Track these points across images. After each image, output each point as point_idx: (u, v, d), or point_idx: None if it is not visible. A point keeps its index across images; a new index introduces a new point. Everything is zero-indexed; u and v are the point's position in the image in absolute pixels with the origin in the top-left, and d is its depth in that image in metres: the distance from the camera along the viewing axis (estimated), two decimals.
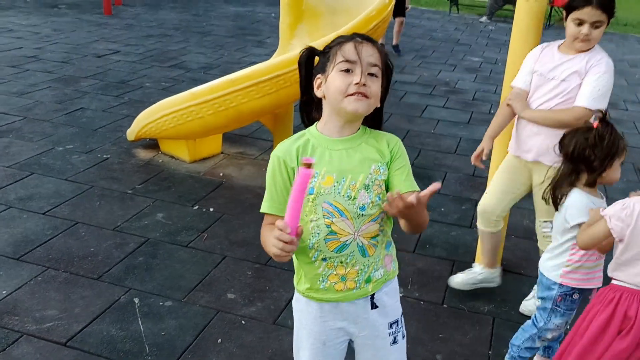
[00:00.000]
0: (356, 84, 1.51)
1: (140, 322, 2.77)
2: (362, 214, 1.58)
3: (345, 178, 1.57)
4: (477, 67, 8.49)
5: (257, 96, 3.74)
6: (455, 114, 6.20)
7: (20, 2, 11.54)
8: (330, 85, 1.55)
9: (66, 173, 4.22)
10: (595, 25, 2.48)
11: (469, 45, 10.09)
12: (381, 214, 1.62)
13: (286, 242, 1.38)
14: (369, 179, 1.58)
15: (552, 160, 2.52)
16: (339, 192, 1.56)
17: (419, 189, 1.57)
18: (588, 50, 2.57)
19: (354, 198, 1.57)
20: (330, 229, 1.58)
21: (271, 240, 1.41)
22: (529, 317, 2.50)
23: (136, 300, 2.92)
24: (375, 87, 1.55)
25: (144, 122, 4.45)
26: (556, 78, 2.60)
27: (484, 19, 12.98)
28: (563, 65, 2.59)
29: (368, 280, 1.66)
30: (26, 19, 9.85)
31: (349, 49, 1.55)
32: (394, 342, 1.76)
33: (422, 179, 4.50)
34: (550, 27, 11.39)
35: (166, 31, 9.52)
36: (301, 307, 1.74)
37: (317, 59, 1.65)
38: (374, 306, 1.70)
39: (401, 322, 1.80)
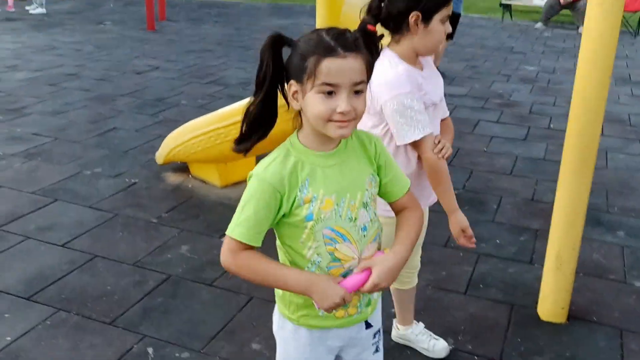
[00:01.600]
0: (340, 112, 1.32)
1: None
2: (364, 235, 1.47)
3: (345, 198, 1.43)
4: (534, 77, 7.94)
5: (289, 117, 3.39)
6: (511, 130, 5.72)
7: (66, 19, 11.65)
8: (310, 107, 1.35)
9: (91, 199, 3.98)
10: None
11: (524, 54, 9.53)
12: (379, 232, 1.54)
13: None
14: (367, 195, 1.47)
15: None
16: (340, 215, 1.42)
17: (408, 182, 1.57)
18: None
19: (355, 219, 1.44)
20: (333, 256, 1.44)
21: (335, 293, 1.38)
22: None
23: (150, 350, 2.60)
24: (361, 105, 1.37)
25: (172, 145, 4.19)
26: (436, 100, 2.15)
27: (539, 25, 12.32)
28: None
29: (368, 304, 1.56)
30: (71, 36, 9.89)
31: (331, 68, 1.29)
32: (376, 350, 1.68)
33: (474, 204, 4.06)
34: None
35: (207, 46, 9.36)
36: (286, 334, 1.59)
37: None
38: (368, 326, 1.61)
39: (381, 329, 1.72)
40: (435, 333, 2.75)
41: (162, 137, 4.98)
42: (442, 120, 2.17)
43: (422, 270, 3.27)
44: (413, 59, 2.02)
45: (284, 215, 1.42)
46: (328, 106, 1.32)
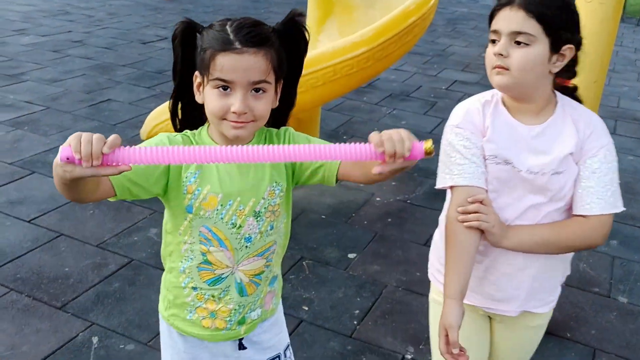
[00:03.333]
0: (234, 112, 1.21)
1: None
2: (247, 246, 1.35)
3: (232, 201, 1.31)
4: None
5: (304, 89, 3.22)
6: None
7: None
8: (207, 103, 1.26)
9: None
10: (515, 38, 1.41)
11: None
12: (271, 247, 1.39)
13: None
14: (262, 204, 1.34)
15: (550, 301, 1.64)
16: (222, 218, 1.31)
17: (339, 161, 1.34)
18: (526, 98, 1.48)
19: (240, 227, 1.33)
20: (205, 258, 1.34)
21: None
22: None
23: (95, 339, 2.52)
24: (261, 106, 1.24)
25: (154, 122, 4.04)
26: (532, 169, 1.49)
27: None
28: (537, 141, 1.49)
29: (241, 322, 1.44)
30: (86, 1, 9.78)
31: (224, 63, 1.18)
32: None
33: None
34: None
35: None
36: (164, 336, 1.51)
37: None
38: (241, 347, 1.49)
39: (286, 355, 1.57)
40: (396, 339, 2.62)
41: None
42: (574, 216, 1.50)
43: (395, 270, 3.15)
44: (526, 100, 1.48)
45: (166, 195, 1.31)
46: (222, 103, 1.22)
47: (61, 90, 5.46)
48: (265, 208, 1.34)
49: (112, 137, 1.01)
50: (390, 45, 3.28)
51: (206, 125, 1.36)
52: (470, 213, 1.46)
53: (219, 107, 1.22)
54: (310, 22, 3.90)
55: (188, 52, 1.29)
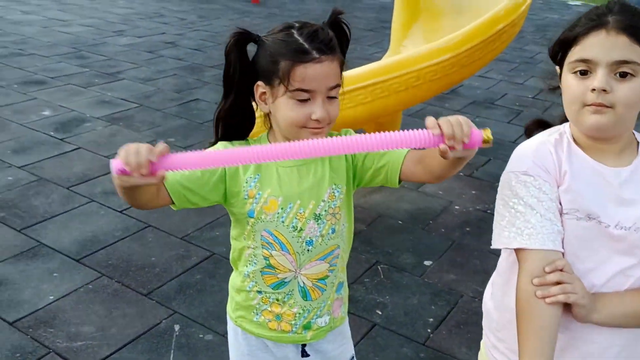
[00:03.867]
0: (316, 119, 1.23)
1: (172, 356, 2.48)
2: (309, 250, 1.35)
3: (293, 204, 1.32)
4: None
5: (350, 105, 3.28)
6: None
7: None
8: (282, 112, 1.26)
9: None
10: (618, 69, 1.16)
11: None
12: (334, 251, 1.38)
13: None
14: (321, 207, 1.34)
15: None
16: (283, 221, 1.32)
17: (406, 150, 1.31)
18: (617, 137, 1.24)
19: (301, 230, 1.33)
20: (267, 262, 1.36)
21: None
22: None
23: (176, 327, 2.64)
24: (335, 109, 1.27)
25: None
26: (623, 223, 1.23)
27: None
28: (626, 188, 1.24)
29: (307, 327, 1.44)
30: (179, 5, 10.22)
31: (306, 74, 1.18)
32: None
33: None
34: None
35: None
36: (231, 338, 1.55)
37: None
38: (304, 354, 1.48)
39: None
40: (471, 350, 2.58)
41: None
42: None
43: (472, 280, 3.10)
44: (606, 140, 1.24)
45: (227, 201, 1.34)
46: (302, 112, 1.24)
47: (154, 89, 5.75)
48: (325, 211, 1.34)
49: (160, 146, 1.04)
50: (477, 52, 3.24)
51: (265, 133, 1.38)
52: (550, 284, 1.18)
53: (300, 116, 1.24)
54: (395, 27, 3.92)
55: (243, 61, 1.29)
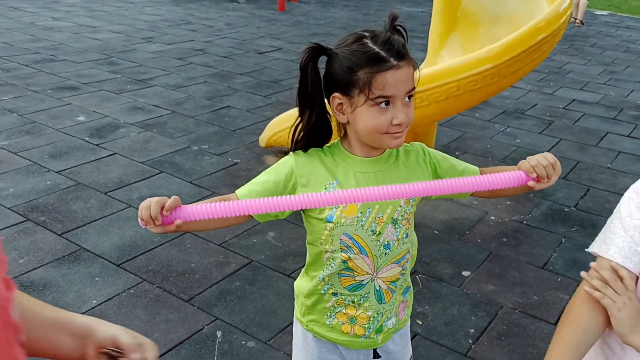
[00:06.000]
0: (397, 124, 1.26)
1: None
2: (386, 253, 1.38)
3: (372, 209, 1.34)
4: None
5: (424, 103, 3.25)
6: None
7: None
8: (363, 121, 1.28)
9: (193, 175, 4.13)
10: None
11: None
12: (406, 255, 1.43)
13: None
14: (398, 212, 1.37)
15: None
16: (362, 225, 1.34)
17: (477, 169, 1.44)
18: None
19: (379, 234, 1.36)
20: (346, 265, 1.38)
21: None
22: None
23: (219, 334, 2.65)
24: (412, 112, 1.30)
25: (274, 130, 4.23)
26: None
27: None
28: None
29: (379, 330, 1.47)
30: (205, 12, 10.32)
31: (387, 81, 1.21)
32: None
33: (585, 226, 3.73)
34: None
35: (332, 30, 9.37)
36: (298, 341, 1.55)
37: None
38: (376, 356, 1.52)
39: None
40: None
41: (271, 119, 5.06)
42: None
43: (511, 291, 3.08)
44: None
45: (306, 209, 1.37)
46: (384, 119, 1.26)
47: (185, 96, 5.80)
48: (402, 216, 1.37)
49: (171, 200, 1.18)
50: (517, 62, 3.23)
51: (337, 141, 1.39)
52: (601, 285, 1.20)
53: (383, 122, 1.26)
54: (433, 37, 3.92)
55: (317, 75, 1.31)
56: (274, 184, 1.34)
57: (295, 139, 1.36)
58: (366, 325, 1.45)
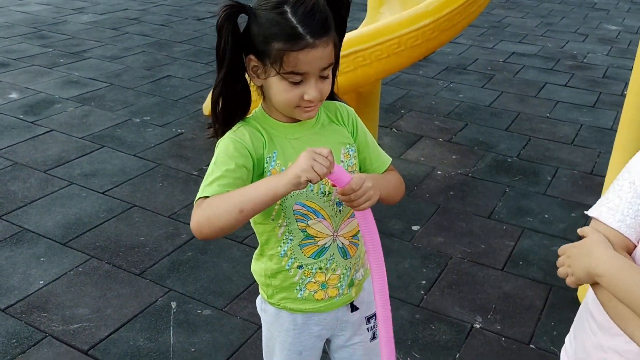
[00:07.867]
0: (309, 100, 1.24)
1: (172, 332, 2.47)
2: (340, 210, 1.38)
3: None
4: (614, 37, 7.36)
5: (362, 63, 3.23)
6: (579, 95, 5.33)
7: None
8: (274, 91, 1.26)
9: (136, 148, 4.02)
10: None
11: (607, 11, 8.84)
12: None
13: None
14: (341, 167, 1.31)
15: None
16: (311, 190, 1.33)
17: (390, 159, 1.49)
18: None
19: (329, 194, 1.35)
20: (305, 233, 1.37)
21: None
22: None
23: (173, 304, 2.63)
24: (327, 87, 1.28)
25: None
26: None
27: None
28: None
29: (351, 284, 1.48)
30: None
31: (298, 59, 1.18)
32: (374, 337, 1.58)
33: (527, 174, 3.84)
34: None
35: None
36: (270, 318, 1.52)
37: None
38: (354, 309, 1.53)
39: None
40: (464, 309, 2.64)
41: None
42: None
43: (459, 242, 3.16)
44: None
45: None
46: (295, 94, 1.23)
47: (122, 67, 5.61)
48: (345, 170, 1.34)
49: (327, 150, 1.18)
50: (456, 16, 3.24)
51: (259, 108, 1.35)
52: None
53: (293, 97, 1.24)
54: None
55: (235, 35, 1.24)
56: (245, 167, 1.26)
57: (213, 107, 1.31)
58: (338, 285, 1.44)
